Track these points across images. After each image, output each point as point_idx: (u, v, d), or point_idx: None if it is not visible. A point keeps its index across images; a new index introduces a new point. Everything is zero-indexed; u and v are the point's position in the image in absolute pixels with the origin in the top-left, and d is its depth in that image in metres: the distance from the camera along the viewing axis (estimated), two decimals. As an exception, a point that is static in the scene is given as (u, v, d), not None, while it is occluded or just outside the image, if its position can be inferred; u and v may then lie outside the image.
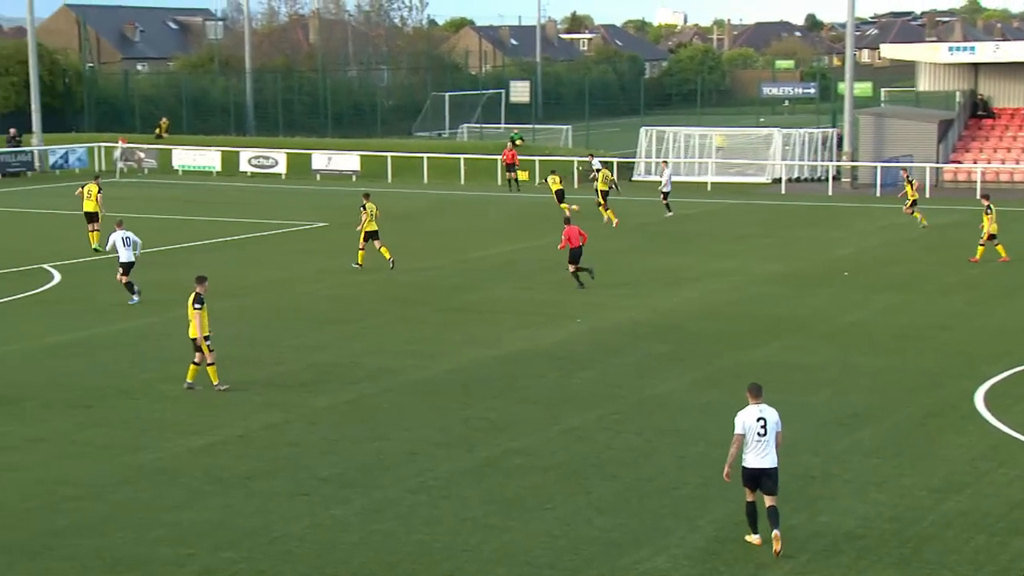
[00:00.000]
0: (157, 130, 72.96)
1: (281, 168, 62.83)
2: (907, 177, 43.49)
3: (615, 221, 42.83)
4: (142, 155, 66.05)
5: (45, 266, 34.60)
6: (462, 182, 59.56)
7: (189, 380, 21.90)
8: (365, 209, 33.94)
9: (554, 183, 46.85)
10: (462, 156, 61.36)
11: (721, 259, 35.95)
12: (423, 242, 39.97)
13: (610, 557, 14.41)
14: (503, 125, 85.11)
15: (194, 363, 21.87)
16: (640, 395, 21.47)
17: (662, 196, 46.69)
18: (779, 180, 57.27)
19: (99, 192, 38.44)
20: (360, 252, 34.35)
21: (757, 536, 14.62)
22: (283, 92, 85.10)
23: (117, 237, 29.59)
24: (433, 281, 33.03)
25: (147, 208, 47.89)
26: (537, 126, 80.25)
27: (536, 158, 60.01)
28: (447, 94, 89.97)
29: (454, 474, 17.41)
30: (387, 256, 34.11)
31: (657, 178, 52.50)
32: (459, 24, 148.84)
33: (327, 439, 19.11)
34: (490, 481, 17.13)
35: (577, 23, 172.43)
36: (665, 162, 52.01)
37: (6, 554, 14.51)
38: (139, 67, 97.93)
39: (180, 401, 21.23)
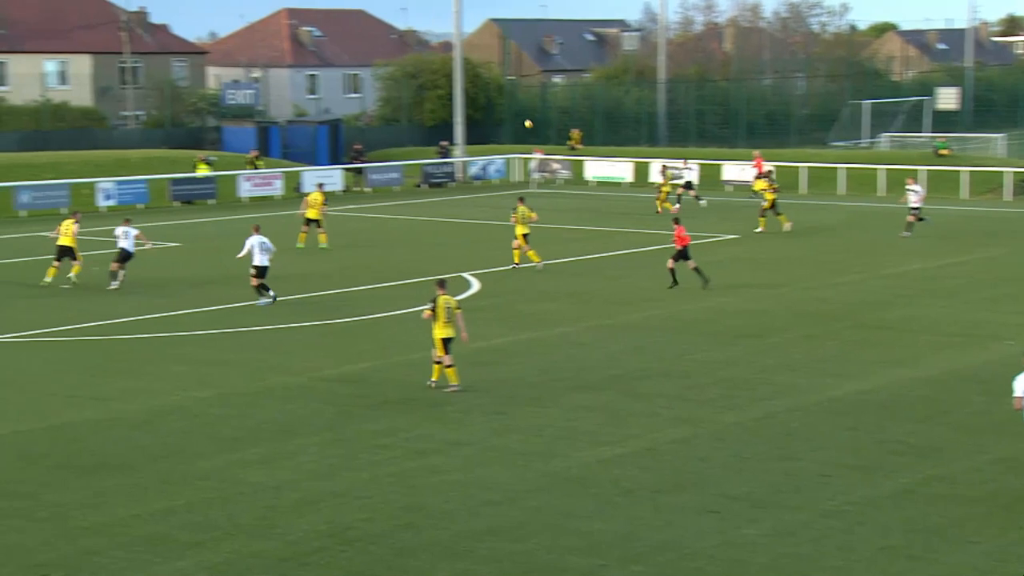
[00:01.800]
0: (570, 141, 74.99)
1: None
2: None
3: None
4: (556, 166, 68.05)
5: (464, 274, 36.21)
6: (881, 193, 57.90)
7: (433, 378, 22.95)
8: (516, 212, 36.66)
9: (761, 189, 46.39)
10: (882, 167, 59.66)
11: None
12: (837, 256, 39.17)
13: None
14: (927, 134, 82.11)
15: (436, 363, 22.88)
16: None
17: None
18: None
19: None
20: (515, 252, 36.77)
21: None
22: (696, 102, 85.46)
23: (255, 241, 30.94)
24: (846, 296, 32.30)
25: (557, 219, 49.32)
26: (966, 135, 76.94)
27: (966, 169, 57.55)
28: (867, 102, 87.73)
29: (871, 499, 16.94)
30: (535, 259, 36.55)
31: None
32: (882, 29, 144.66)
33: (736, 456, 19.04)
34: (911, 509, 16.55)
35: (1013, 25, 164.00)
36: None
37: (429, 552, 15.30)
38: (555, 79, 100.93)
39: (590, 411, 21.72)
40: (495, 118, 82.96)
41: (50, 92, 77.61)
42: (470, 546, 15.46)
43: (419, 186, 65.07)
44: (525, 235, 36.91)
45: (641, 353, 26.04)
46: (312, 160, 68.94)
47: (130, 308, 30.83)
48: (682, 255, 33.67)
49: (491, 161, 69.27)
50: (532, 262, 36.86)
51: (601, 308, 31.22)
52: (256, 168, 61.72)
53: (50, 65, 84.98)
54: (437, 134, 75.72)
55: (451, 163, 68.17)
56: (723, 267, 37.36)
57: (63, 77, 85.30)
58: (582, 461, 18.83)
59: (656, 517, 16.40)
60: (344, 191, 61.85)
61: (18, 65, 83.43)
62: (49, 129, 71.46)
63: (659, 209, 51.75)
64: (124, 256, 34.26)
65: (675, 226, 34.15)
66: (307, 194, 37.12)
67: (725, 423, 20.86)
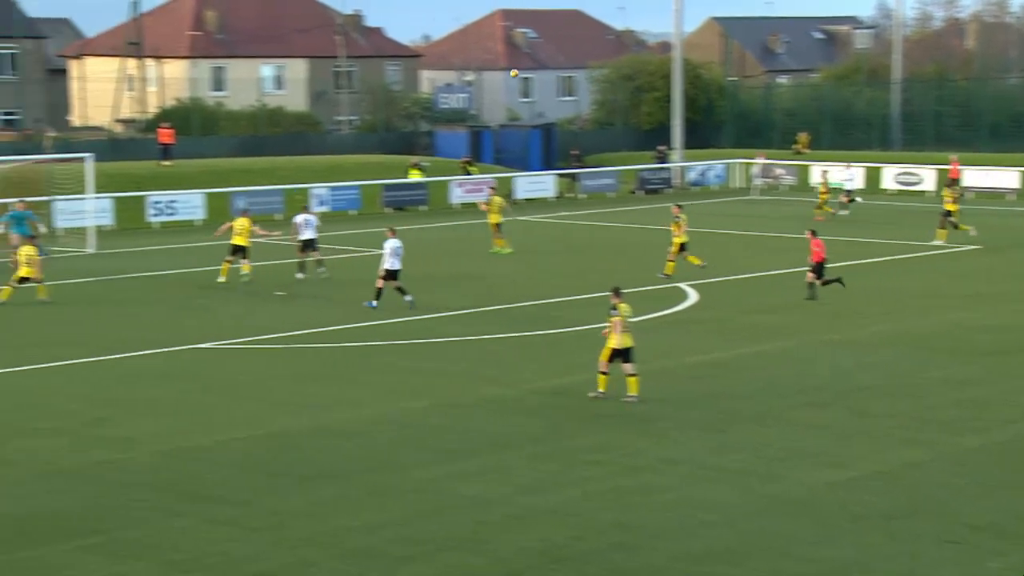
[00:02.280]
0: (795, 145, 73.89)
1: (928, 185, 61.60)
2: None
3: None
4: (780, 171, 67.19)
5: (681, 285, 36.09)
6: None
7: (600, 389, 23.15)
8: (678, 221, 36.95)
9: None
10: None
11: None
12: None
13: None
14: None
15: (603, 373, 23.09)
16: None
17: None
18: None
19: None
20: (670, 263, 37.08)
21: None
22: (934, 103, 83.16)
23: (391, 245, 32.16)
24: (1099, 314, 31.07)
25: (777, 226, 48.68)
26: None
27: None
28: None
29: None
30: (697, 262, 37.11)
31: None
32: None
33: (978, 482, 18.52)
34: None
35: None
36: None
37: (643, 575, 15.32)
38: (780, 79, 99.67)
39: (815, 430, 21.42)
40: (715, 121, 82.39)
41: (266, 97, 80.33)
42: (686, 569, 15.42)
43: (634, 192, 65.09)
44: (682, 244, 37.14)
45: (870, 369, 25.55)
46: (525, 166, 69.67)
47: (339, 315, 31.69)
48: (816, 270, 33.32)
49: (710, 166, 68.84)
50: (668, 272, 37.14)
51: (826, 321, 30.73)
52: (469, 173, 62.69)
53: (267, 70, 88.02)
54: (654, 138, 75.63)
55: (668, 168, 67.97)
56: (963, 279, 36.34)
57: (279, 82, 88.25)
58: (806, 483, 18.59)
59: (889, 545, 16.07)
60: (557, 197, 62.32)
61: (236, 70, 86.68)
62: (265, 134, 73.97)
63: (819, 216, 50.64)
64: (308, 245, 36.86)
65: (812, 238, 33.70)
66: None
67: (965, 447, 20.31)
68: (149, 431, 21.56)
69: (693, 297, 34.43)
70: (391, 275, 32.55)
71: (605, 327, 23.62)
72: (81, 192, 46.12)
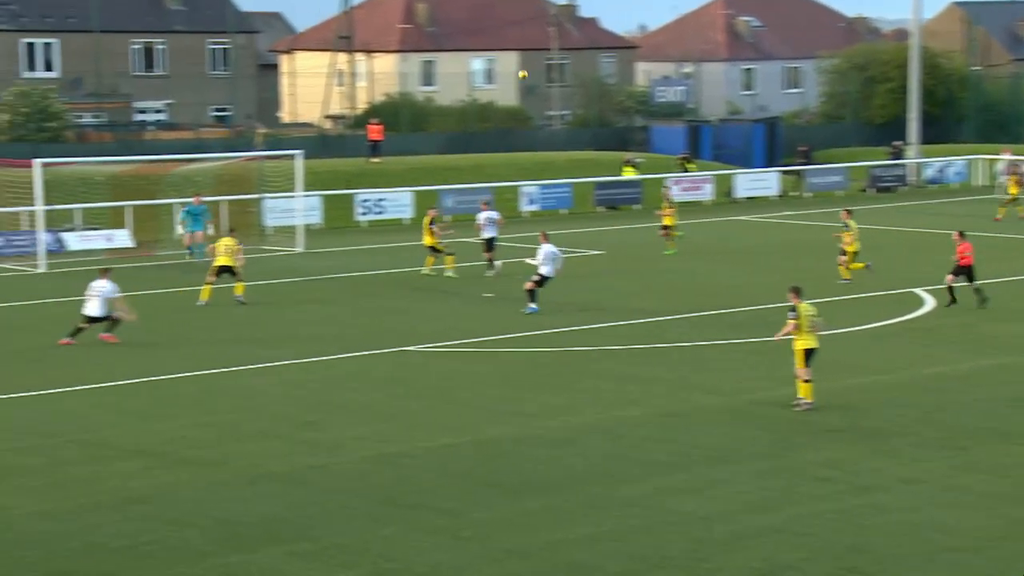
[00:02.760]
0: (1045, 139, 71.47)
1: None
2: None
3: None
4: (1028, 168, 64.95)
5: (916, 290, 35.20)
6: None
7: (800, 396, 22.98)
8: (849, 228, 36.72)
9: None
10: None
11: None
12: None
13: None
14: None
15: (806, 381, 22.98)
16: None
17: None
18: None
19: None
20: (840, 268, 36.68)
21: None
22: None
23: (548, 250, 32.61)
24: None
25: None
26: None
27: None
28: None
29: None
30: (849, 274, 36.60)
31: None
32: None
33: None
34: None
35: None
36: None
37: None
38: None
39: (1067, 451, 20.65)
40: (956, 114, 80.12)
41: (476, 91, 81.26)
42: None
43: (864, 190, 63.76)
44: (855, 252, 36.86)
45: None
46: (746, 162, 68.90)
47: (552, 320, 31.81)
48: (963, 273, 32.45)
49: (950, 163, 67.02)
50: (845, 276, 36.75)
51: (1079, 333, 29.60)
52: (686, 171, 62.32)
53: (477, 63, 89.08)
54: (887, 133, 73.97)
55: (903, 165, 66.44)
56: None
57: (489, 76, 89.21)
58: (1057, 508, 17.93)
59: None
60: (780, 196, 61.47)
61: (446, 64, 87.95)
62: (474, 130, 74.84)
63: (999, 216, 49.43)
64: (489, 244, 38.57)
65: (960, 240, 32.67)
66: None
67: None
68: (356, 436, 21.99)
69: (930, 303, 33.53)
70: (542, 281, 32.80)
71: (786, 330, 23.30)
72: (290, 190, 47.30)
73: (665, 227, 43.67)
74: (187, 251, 42.84)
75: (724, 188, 60.91)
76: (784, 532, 17.15)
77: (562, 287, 35.79)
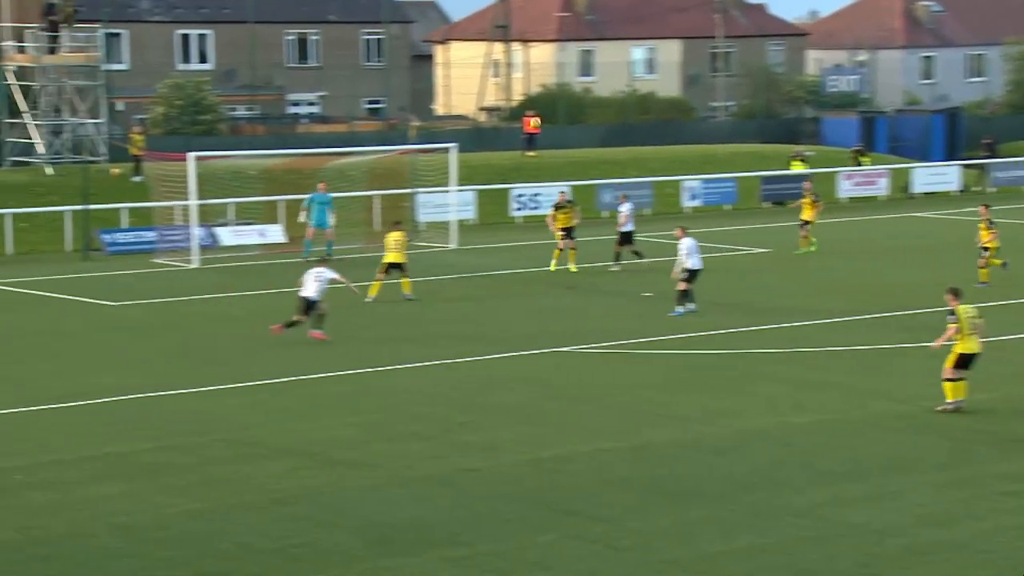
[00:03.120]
0: None
1: None
2: None
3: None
4: None
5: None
6: None
7: (949, 399, 22.72)
8: (988, 225, 36.17)
9: None
10: None
11: None
12: None
13: None
14: None
15: (956, 379, 22.78)
16: None
17: None
18: None
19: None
20: (982, 271, 35.75)
21: None
22: None
23: (686, 244, 32.14)
24: None
25: None
26: None
27: None
28: None
29: None
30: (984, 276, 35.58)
31: None
32: None
33: None
34: None
35: None
36: None
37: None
38: None
39: None
40: None
41: (636, 82, 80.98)
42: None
43: (1053, 185, 62.09)
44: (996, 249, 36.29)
45: None
46: (924, 156, 67.59)
47: (714, 320, 31.52)
48: None
49: None
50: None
51: None
52: (860, 165, 61.33)
53: (637, 52, 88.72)
54: None
55: (1096, 158, 64.54)
56: None
57: (650, 65, 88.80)
58: None
59: None
60: (961, 191, 60.15)
61: (605, 53, 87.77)
62: (633, 122, 74.58)
63: None
64: (625, 238, 38.89)
65: None
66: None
67: None
68: (510, 438, 22.02)
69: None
70: (692, 276, 32.23)
71: (947, 335, 22.89)
72: (444, 184, 47.58)
73: (804, 223, 42.75)
74: (306, 244, 41.81)
75: (900, 183, 59.78)
76: (964, 548, 16.73)
77: (725, 286, 35.47)
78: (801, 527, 17.63)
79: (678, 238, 32.87)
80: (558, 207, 39.86)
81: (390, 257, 34.53)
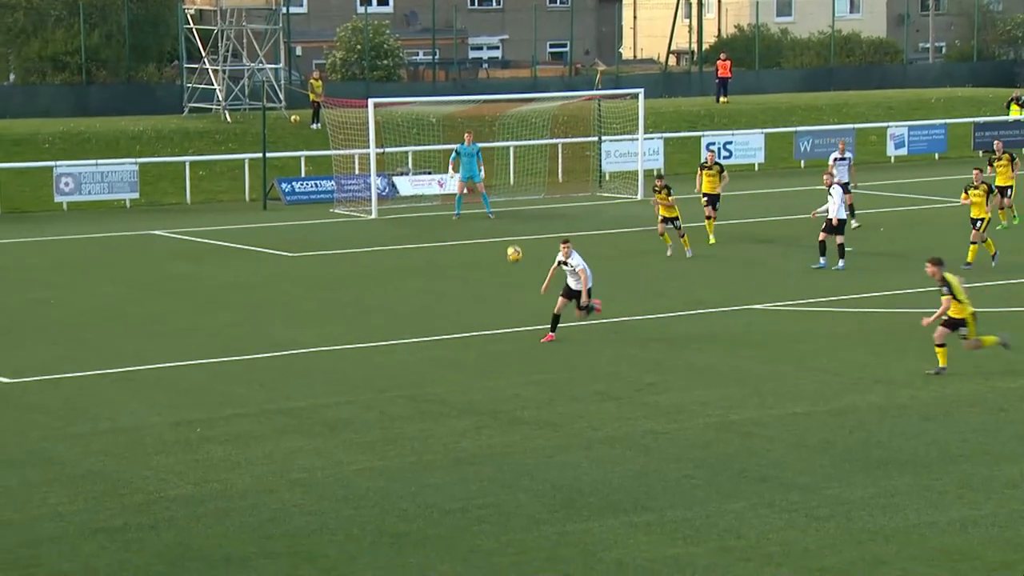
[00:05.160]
0: None
1: None
2: None
3: None
4: None
5: None
6: None
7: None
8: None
9: None
10: None
11: None
12: None
13: None
14: None
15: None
16: None
17: None
18: None
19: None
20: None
21: None
22: None
23: (839, 192, 32.04)
24: None
25: None
26: None
27: None
28: None
29: None
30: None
31: None
32: None
33: None
34: None
35: None
36: None
37: None
38: None
39: None
40: None
41: (839, 22, 79.61)
42: None
43: None
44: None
45: None
46: None
47: (921, 278, 30.91)
48: None
49: None
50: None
51: None
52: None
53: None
54: None
55: None
56: None
57: (853, 4, 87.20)
58: None
59: None
60: None
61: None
62: (834, 65, 73.42)
63: None
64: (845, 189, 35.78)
65: None
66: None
67: None
68: (699, 400, 21.97)
69: None
70: (839, 228, 32.11)
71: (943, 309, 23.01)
72: (630, 132, 47.47)
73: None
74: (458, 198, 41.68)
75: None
76: None
77: (932, 241, 34.79)
78: (1016, 499, 17.30)
79: (827, 185, 32.56)
80: (704, 167, 37.08)
81: (663, 212, 34.24)
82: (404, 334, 26.61)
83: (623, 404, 21.83)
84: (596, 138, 49.40)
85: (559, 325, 25.98)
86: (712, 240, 36.03)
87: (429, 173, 47.32)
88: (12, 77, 64.94)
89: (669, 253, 34.27)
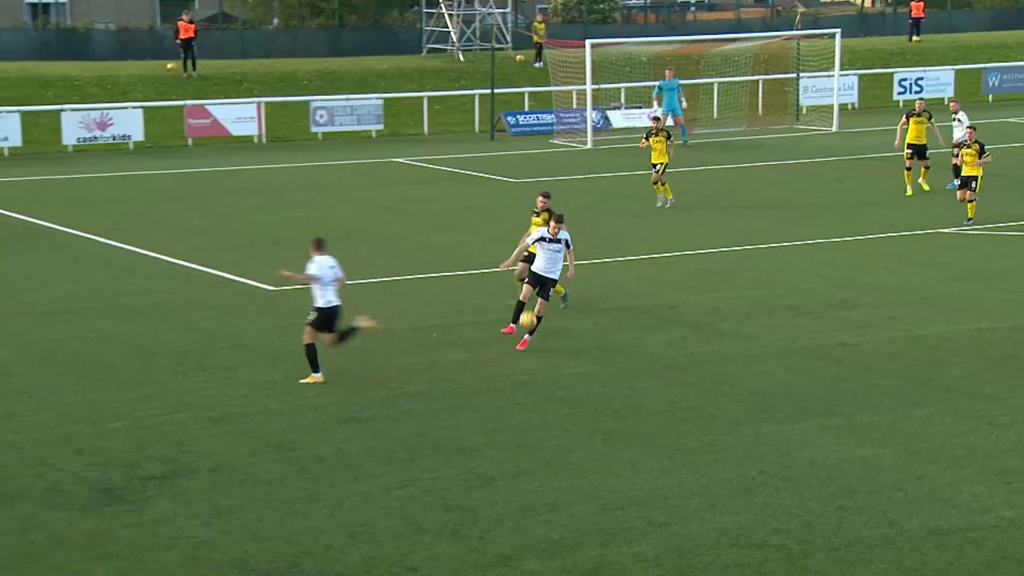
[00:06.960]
0: None
1: None
2: None
3: None
4: None
5: None
6: None
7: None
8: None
9: None
10: None
11: None
12: None
13: None
14: None
15: None
16: None
17: None
18: None
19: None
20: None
21: None
22: None
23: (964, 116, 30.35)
24: None
25: None
26: None
27: None
28: None
29: None
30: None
31: None
32: None
33: None
34: None
35: None
36: None
37: None
38: None
39: None
40: None
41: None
42: None
43: None
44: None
45: None
46: None
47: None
48: None
49: None
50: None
51: None
52: None
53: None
54: None
55: None
56: None
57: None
58: None
59: None
60: None
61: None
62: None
63: None
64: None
65: None
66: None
67: None
68: (888, 316, 21.53)
69: None
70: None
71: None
72: (827, 69, 46.52)
73: None
74: (679, 130, 40.57)
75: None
76: None
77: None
78: None
79: (953, 112, 31.48)
80: (912, 115, 32.59)
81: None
82: (615, 252, 26.55)
83: (816, 319, 21.51)
84: (795, 75, 48.47)
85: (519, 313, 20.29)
86: (925, 187, 32.67)
87: (640, 107, 47.01)
88: (276, 21, 66.31)
89: (659, 204, 31.20)
